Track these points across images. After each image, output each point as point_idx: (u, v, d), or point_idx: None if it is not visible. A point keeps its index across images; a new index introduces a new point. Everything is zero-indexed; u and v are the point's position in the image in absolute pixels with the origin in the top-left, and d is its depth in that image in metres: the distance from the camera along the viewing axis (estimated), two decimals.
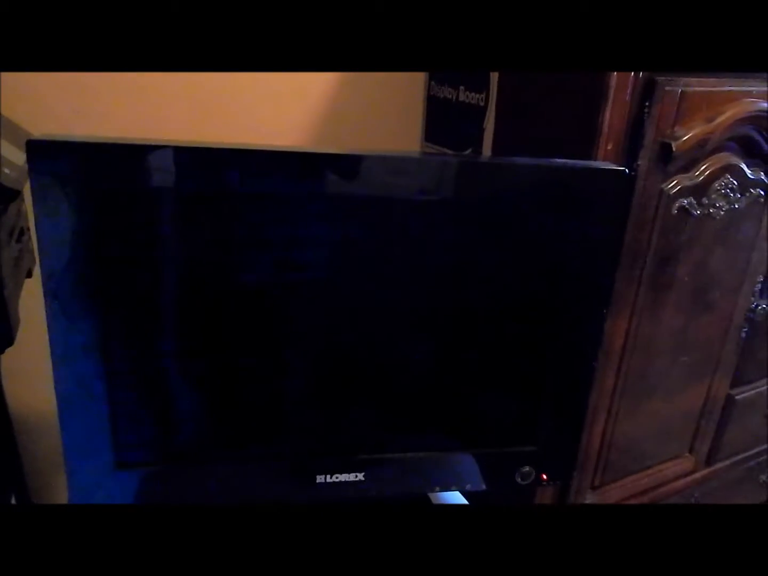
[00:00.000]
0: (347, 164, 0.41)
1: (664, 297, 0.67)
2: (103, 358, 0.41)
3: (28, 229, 0.50)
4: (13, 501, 0.59)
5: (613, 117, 0.55)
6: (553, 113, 0.60)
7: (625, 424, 0.72)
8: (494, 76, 0.66)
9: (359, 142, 0.78)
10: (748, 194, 0.67)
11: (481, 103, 0.68)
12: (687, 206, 0.63)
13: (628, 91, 0.55)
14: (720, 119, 0.60)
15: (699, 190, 0.63)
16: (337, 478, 0.48)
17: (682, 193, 0.62)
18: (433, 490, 0.55)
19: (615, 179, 0.46)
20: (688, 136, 0.58)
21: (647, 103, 0.56)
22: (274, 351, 0.46)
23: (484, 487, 0.52)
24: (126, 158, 0.38)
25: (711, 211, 0.65)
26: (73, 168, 0.37)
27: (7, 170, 0.41)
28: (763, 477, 0.98)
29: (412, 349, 0.48)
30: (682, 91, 0.57)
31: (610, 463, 0.74)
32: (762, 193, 0.68)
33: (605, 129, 0.55)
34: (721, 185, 0.64)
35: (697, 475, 0.87)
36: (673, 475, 0.83)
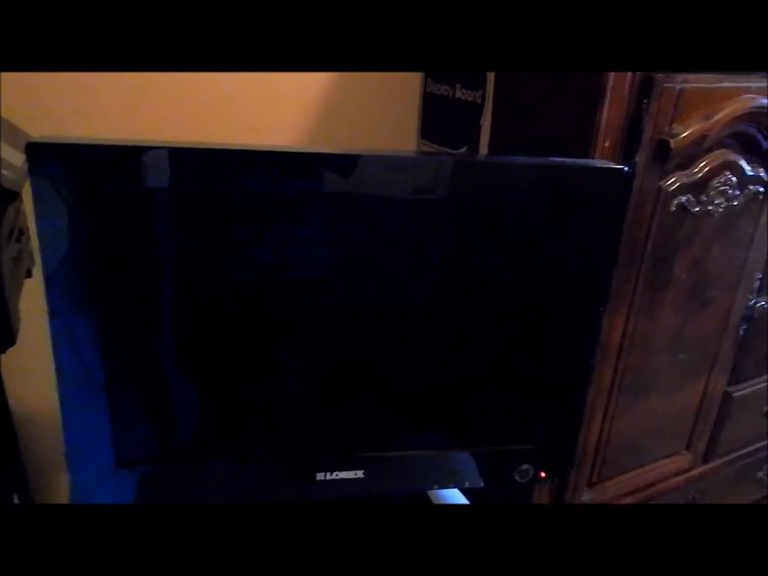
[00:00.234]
0: (347, 164, 0.41)
1: (662, 295, 0.67)
2: (104, 357, 0.42)
3: (27, 229, 0.50)
4: (15, 499, 0.59)
5: (610, 114, 0.55)
6: (551, 110, 0.60)
7: (622, 421, 0.72)
8: (491, 74, 0.66)
9: (355, 139, 0.78)
10: (746, 191, 0.67)
11: (478, 101, 0.68)
12: (685, 204, 0.63)
13: (626, 88, 0.54)
14: (718, 116, 0.60)
15: (697, 188, 0.63)
16: (337, 475, 0.49)
17: (680, 190, 0.62)
18: (432, 488, 0.55)
19: (614, 178, 0.46)
20: (686, 133, 0.58)
21: (645, 100, 0.56)
22: (275, 350, 0.46)
23: (482, 484, 0.52)
24: (125, 159, 0.38)
25: (709, 208, 0.65)
26: (73, 170, 0.37)
27: (6, 172, 0.41)
28: (760, 474, 0.98)
29: (411, 347, 0.49)
30: (680, 88, 0.57)
31: (607, 460, 0.74)
32: (761, 189, 0.68)
33: (603, 126, 0.55)
34: (719, 182, 0.64)
35: (695, 472, 0.87)
36: (670, 472, 0.83)
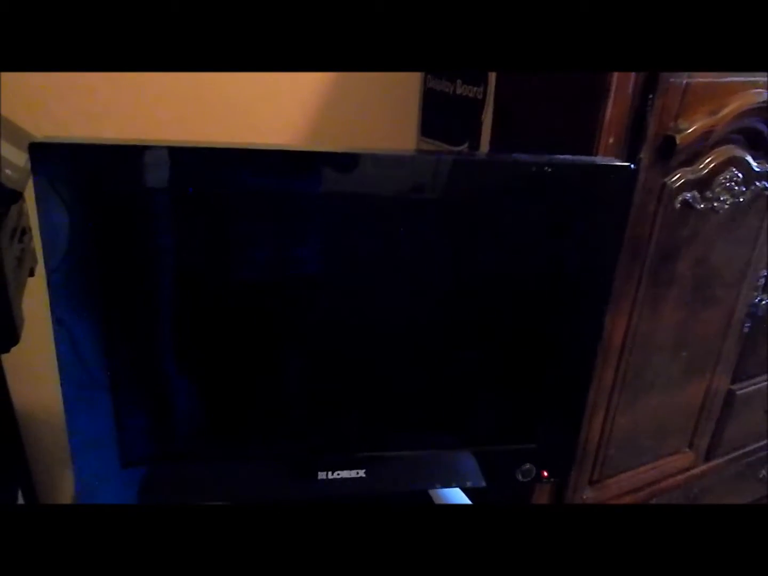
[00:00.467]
0: (347, 163, 0.41)
1: (665, 292, 0.67)
2: (107, 356, 0.42)
3: (30, 229, 0.50)
4: (19, 498, 0.60)
5: (614, 110, 0.54)
6: (553, 106, 0.59)
7: (624, 419, 0.72)
8: None
9: (355, 136, 0.77)
10: (753, 187, 0.66)
11: (479, 96, 0.67)
12: (690, 200, 0.62)
13: (631, 84, 0.54)
14: (724, 111, 0.59)
15: (702, 184, 0.62)
16: (338, 474, 0.49)
17: (685, 186, 0.61)
18: (433, 487, 0.55)
19: (619, 175, 0.46)
20: (691, 128, 0.57)
21: (650, 96, 0.55)
22: (276, 349, 0.46)
23: (484, 484, 0.52)
24: (128, 159, 0.38)
25: (714, 205, 0.64)
26: (76, 169, 0.37)
27: (8, 171, 0.41)
28: (763, 472, 0.98)
29: (413, 346, 0.49)
30: (685, 83, 0.56)
31: (608, 459, 0.74)
32: (767, 185, 0.67)
33: (607, 122, 0.54)
34: (725, 178, 0.63)
35: (697, 470, 0.87)
36: (672, 470, 0.83)
